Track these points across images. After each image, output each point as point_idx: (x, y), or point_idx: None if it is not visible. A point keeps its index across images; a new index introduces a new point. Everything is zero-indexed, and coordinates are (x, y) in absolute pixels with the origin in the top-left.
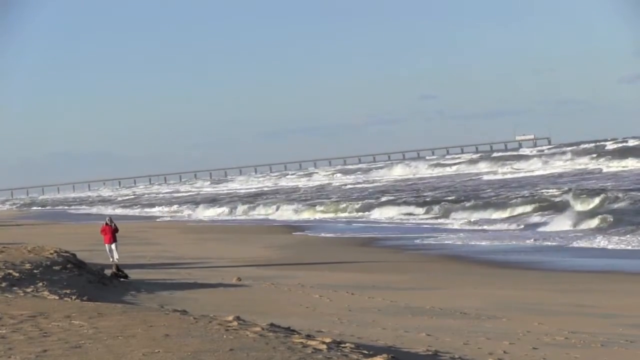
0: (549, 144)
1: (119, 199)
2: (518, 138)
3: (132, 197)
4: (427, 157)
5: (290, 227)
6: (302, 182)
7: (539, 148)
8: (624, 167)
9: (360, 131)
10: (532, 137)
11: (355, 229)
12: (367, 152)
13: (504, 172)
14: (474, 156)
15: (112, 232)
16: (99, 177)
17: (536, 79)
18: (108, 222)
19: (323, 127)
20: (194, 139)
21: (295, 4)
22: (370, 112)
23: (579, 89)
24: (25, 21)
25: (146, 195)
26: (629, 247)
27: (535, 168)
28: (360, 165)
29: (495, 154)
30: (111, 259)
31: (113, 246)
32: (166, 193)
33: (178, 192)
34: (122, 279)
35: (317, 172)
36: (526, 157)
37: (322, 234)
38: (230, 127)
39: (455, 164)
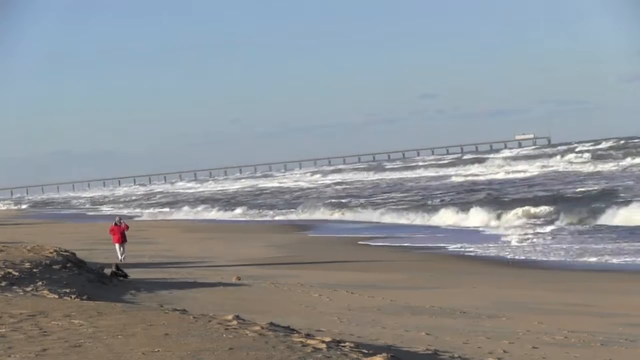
0: (549, 143)
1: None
2: (518, 137)
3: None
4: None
5: (290, 226)
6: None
7: (517, 149)
8: (592, 169)
9: (360, 130)
10: (531, 136)
11: (355, 229)
12: (366, 152)
13: (466, 174)
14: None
15: (120, 232)
16: (99, 177)
17: (536, 78)
18: (117, 223)
19: (323, 126)
20: (193, 137)
21: (295, 3)
22: (370, 111)
23: (579, 88)
24: (26, 22)
25: (123, 198)
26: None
27: (492, 172)
28: (339, 166)
29: (466, 156)
30: (120, 259)
31: (122, 246)
32: (140, 193)
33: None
34: (121, 278)
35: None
36: (492, 160)
37: (322, 233)
38: (229, 126)
39: (418, 166)
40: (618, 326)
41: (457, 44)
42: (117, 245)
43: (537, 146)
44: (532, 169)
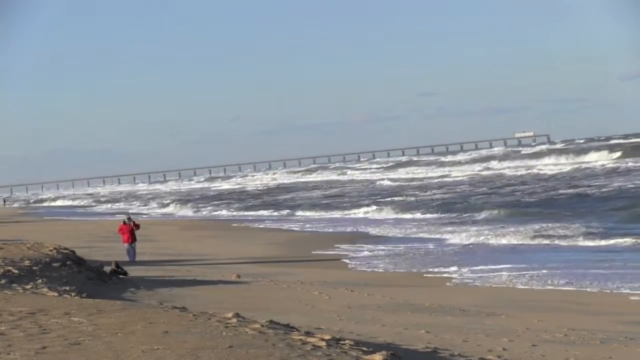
0: (548, 141)
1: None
2: (517, 135)
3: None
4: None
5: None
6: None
7: (484, 151)
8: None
9: (360, 129)
10: (531, 134)
11: (353, 227)
12: (366, 150)
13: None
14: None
15: (130, 231)
16: (98, 175)
17: (536, 76)
18: (126, 221)
19: (323, 124)
20: (193, 136)
21: (294, 2)
22: (370, 109)
23: (579, 86)
24: (24, 19)
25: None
26: None
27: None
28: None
29: (425, 158)
30: (129, 259)
31: (133, 245)
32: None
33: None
34: (121, 276)
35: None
36: (447, 163)
37: (322, 231)
38: (230, 124)
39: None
40: (618, 324)
41: (457, 42)
42: (126, 245)
43: (503, 148)
44: (464, 173)
